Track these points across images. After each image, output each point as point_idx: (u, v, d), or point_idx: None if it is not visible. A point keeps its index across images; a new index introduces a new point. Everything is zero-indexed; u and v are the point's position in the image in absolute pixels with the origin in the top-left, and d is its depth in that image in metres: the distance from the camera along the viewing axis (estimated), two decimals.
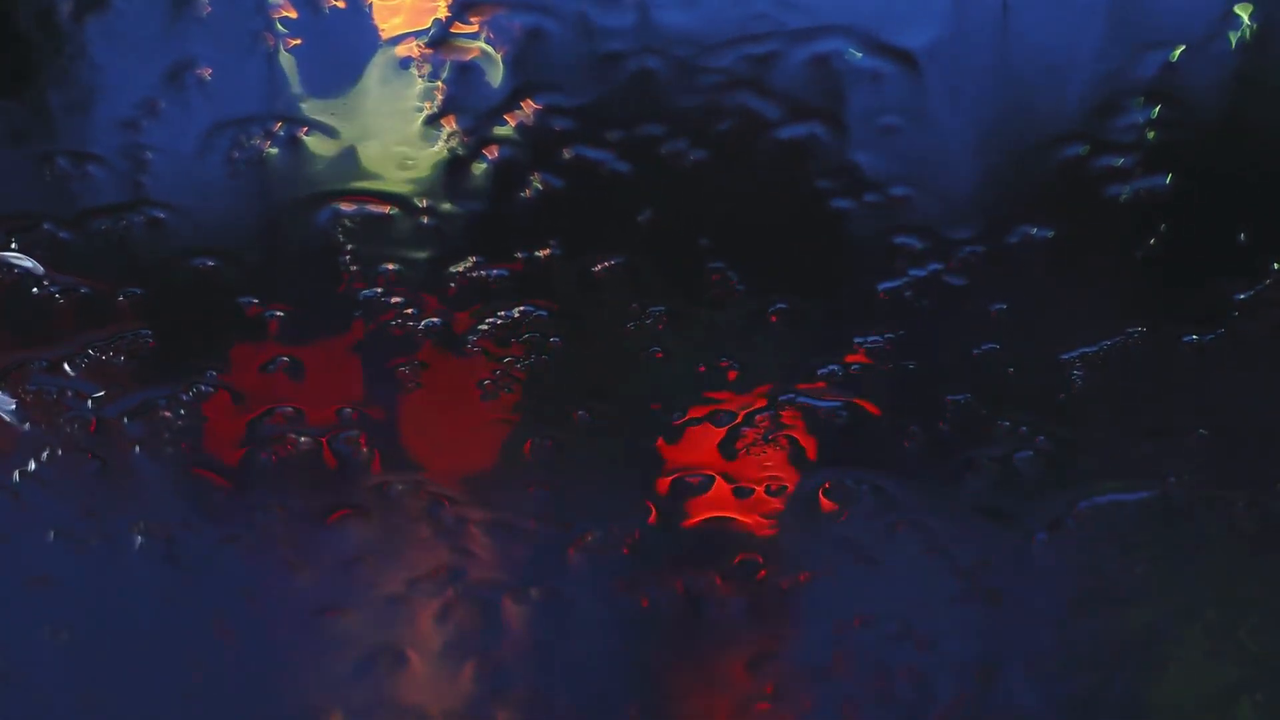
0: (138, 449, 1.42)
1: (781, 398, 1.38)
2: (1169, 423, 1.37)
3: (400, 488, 1.43)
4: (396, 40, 1.28)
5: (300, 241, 1.34)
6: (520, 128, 1.30)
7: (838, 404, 1.37)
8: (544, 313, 1.35)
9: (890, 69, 1.27)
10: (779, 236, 1.34)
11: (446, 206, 1.33)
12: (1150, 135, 1.27)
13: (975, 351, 1.35)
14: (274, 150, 1.31)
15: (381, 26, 1.29)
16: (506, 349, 1.36)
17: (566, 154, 1.30)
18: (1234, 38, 1.25)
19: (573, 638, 1.49)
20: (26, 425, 1.42)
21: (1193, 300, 1.32)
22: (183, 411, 1.41)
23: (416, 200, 1.33)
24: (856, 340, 1.35)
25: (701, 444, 1.40)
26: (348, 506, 1.45)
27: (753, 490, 1.42)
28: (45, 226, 1.34)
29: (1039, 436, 1.37)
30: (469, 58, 1.28)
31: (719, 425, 1.39)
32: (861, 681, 1.50)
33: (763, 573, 1.45)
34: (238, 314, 1.36)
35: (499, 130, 1.30)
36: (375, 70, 1.29)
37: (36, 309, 1.37)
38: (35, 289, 1.36)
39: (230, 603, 1.50)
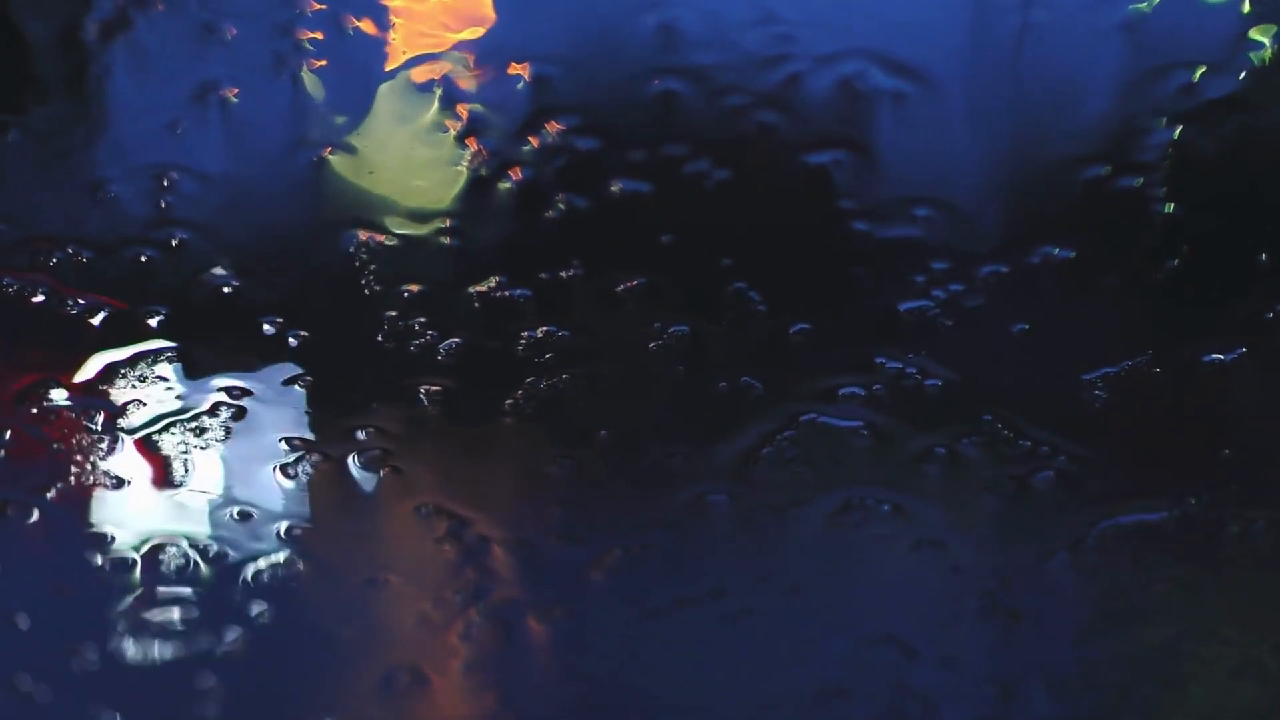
0: (158, 467, 1.42)
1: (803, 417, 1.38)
2: (1190, 443, 1.37)
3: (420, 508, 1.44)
4: (420, 61, 1.29)
5: (322, 261, 1.34)
6: (543, 148, 1.30)
7: (858, 423, 1.37)
8: (565, 332, 1.35)
9: (912, 90, 1.28)
10: (800, 257, 1.34)
11: (469, 227, 1.33)
12: (1171, 156, 1.28)
13: (996, 371, 1.35)
14: (297, 169, 1.32)
15: (405, 49, 1.29)
16: (529, 369, 1.36)
17: (589, 175, 1.30)
18: (1255, 59, 1.26)
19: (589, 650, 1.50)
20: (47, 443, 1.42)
21: (1214, 320, 1.33)
22: (205, 430, 1.41)
23: (439, 221, 1.33)
24: (878, 360, 1.35)
25: None
26: (366, 526, 1.45)
27: None
28: (69, 248, 1.35)
29: (1060, 456, 1.37)
30: (492, 79, 1.29)
31: None
32: (883, 698, 1.50)
33: None
34: (260, 334, 1.36)
35: (522, 151, 1.30)
36: (398, 91, 1.30)
37: (60, 327, 1.37)
38: (59, 309, 1.36)
39: (250, 619, 1.50)
